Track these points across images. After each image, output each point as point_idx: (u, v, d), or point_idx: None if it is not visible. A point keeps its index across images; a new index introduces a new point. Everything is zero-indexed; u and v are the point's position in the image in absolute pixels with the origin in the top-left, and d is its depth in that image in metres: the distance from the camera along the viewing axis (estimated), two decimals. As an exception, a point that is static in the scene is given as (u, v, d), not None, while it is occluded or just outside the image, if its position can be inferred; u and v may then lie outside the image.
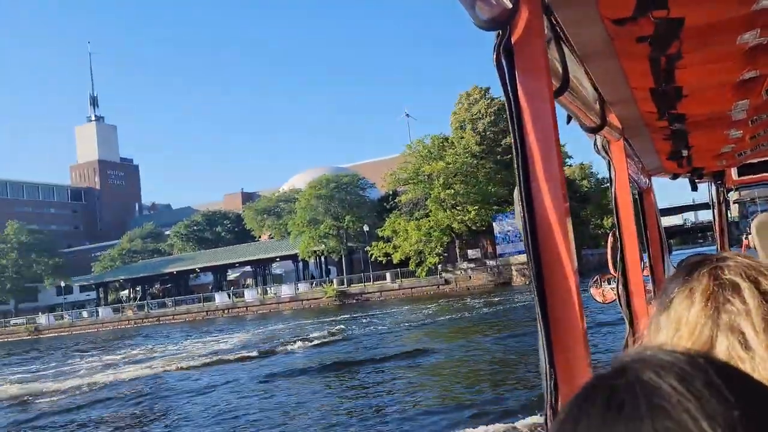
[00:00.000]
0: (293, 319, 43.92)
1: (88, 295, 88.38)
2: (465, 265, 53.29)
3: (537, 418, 9.16)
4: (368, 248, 56.52)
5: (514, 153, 1.16)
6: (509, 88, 1.14)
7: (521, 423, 9.59)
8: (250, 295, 60.73)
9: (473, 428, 9.84)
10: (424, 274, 52.15)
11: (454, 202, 52.58)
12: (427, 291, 53.40)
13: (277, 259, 72.54)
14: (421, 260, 51.81)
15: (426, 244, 51.24)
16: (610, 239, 2.51)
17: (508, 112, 1.15)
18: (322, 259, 66.78)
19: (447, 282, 53.13)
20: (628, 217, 2.68)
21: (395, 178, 55.92)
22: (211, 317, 60.30)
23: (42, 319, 69.73)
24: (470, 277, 52.77)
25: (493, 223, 53.06)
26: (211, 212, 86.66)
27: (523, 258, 49.44)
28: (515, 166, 1.16)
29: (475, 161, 56.82)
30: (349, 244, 62.00)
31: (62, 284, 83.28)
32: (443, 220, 51.12)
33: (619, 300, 2.52)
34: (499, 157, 61.96)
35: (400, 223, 53.46)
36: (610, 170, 2.53)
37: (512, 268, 51.24)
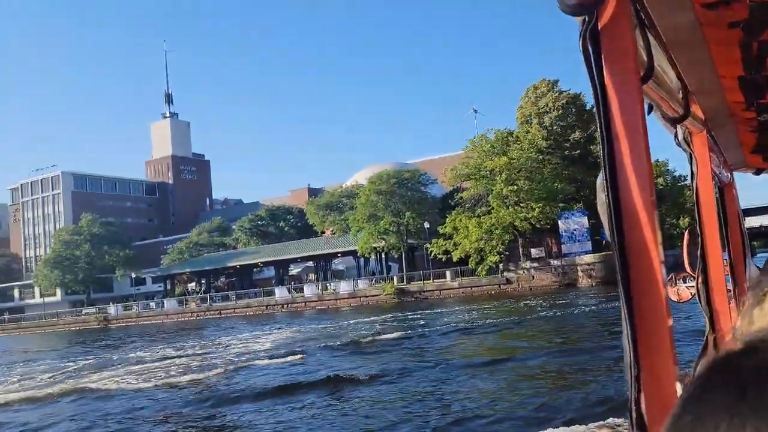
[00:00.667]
0: (351, 316, 43.09)
1: (160, 286, 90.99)
2: (528, 264, 51.18)
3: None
4: (428, 245, 55.17)
5: (600, 140, 1.12)
6: (595, 74, 1.10)
7: (600, 423, 8.74)
8: (309, 290, 60.48)
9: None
10: (484, 273, 50.35)
11: (517, 199, 50.52)
12: (488, 290, 51.60)
13: (339, 255, 72.21)
14: (481, 258, 50.03)
15: (487, 242, 49.43)
16: (687, 236, 2.41)
17: (594, 99, 1.11)
18: (383, 255, 65.92)
19: (508, 282, 51.16)
20: (710, 213, 2.54)
21: (456, 174, 54.29)
22: (270, 312, 60.42)
23: (111, 309, 71.85)
24: (533, 277, 50.62)
25: (559, 221, 50.71)
26: (275, 207, 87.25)
27: (589, 258, 47.01)
28: (601, 153, 1.11)
29: (541, 157, 54.54)
30: (410, 241, 60.80)
31: (133, 275, 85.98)
32: (505, 217, 49.19)
33: (699, 298, 2.39)
34: (566, 152, 59.43)
35: (461, 220, 51.80)
36: (691, 163, 2.36)
37: (578, 268, 48.80)
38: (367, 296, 56.93)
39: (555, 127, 60.77)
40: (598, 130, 1.11)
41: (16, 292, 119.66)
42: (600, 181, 1.16)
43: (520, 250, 53.20)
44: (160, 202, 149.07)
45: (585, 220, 50.23)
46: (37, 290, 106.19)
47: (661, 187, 65.27)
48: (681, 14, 1.38)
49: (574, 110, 62.19)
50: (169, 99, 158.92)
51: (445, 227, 53.24)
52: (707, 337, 2.38)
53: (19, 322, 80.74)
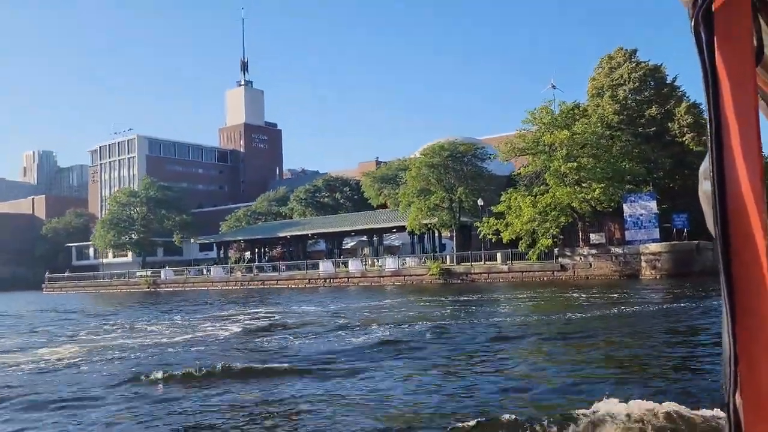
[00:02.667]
0: (390, 296, 40.15)
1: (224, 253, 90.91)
2: (586, 250, 46.46)
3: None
4: (477, 224, 51.32)
5: (708, 126, 1.10)
6: (706, 56, 1.08)
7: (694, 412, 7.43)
8: (353, 265, 57.86)
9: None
10: (535, 257, 46.08)
11: (578, 178, 45.75)
12: (540, 276, 47.33)
13: (394, 230, 69.29)
14: (533, 241, 45.76)
15: (540, 223, 45.07)
16: None
17: (704, 83, 1.09)
18: (436, 233, 62.51)
19: (563, 268, 46.68)
20: None
21: (511, 148, 49.88)
22: (313, 285, 58.37)
23: (162, 273, 71.90)
24: (591, 264, 45.92)
25: (624, 205, 45.61)
26: (334, 178, 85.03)
27: (655, 248, 42.02)
28: (708, 139, 1.09)
29: (609, 132, 49.32)
30: (463, 218, 56.98)
31: (192, 241, 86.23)
32: (562, 197, 44.59)
33: None
34: (640, 129, 53.83)
35: (515, 199, 47.51)
36: None
37: (641, 258, 43.76)
38: (411, 275, 53.75)
39: (629, 101, 55.16)
40: (708, 114, 1.07)
41: (91, 251, 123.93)
42: (704, 168, 1.11)
43: (580, 234, 48.52)
44: (231, 170, 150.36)
45: (653, 205, 44.93)
46: (110, 250, 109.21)
47: None
48: None
49: (652, 83, 56.28)
50: (244, 67, 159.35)
51: (500, 205, 49.10)
52: None
53: (76, 281, 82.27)
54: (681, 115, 52.76)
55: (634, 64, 56.17)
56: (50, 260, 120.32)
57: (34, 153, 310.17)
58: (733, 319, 1.03)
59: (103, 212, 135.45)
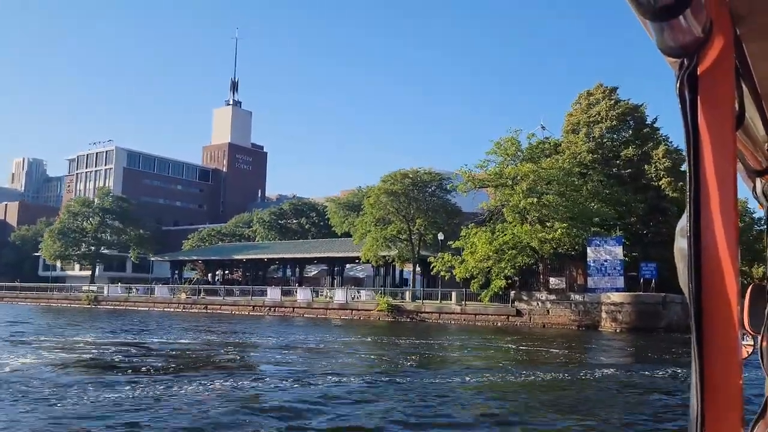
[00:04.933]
0: (328, 332, 36.23)
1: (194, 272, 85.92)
2: (544, 296, 42.51)
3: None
4: (431, 260, 47.49)
5: (688, 185, 1.10)
6: (689, 118, 1.10)
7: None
8: (302, 295, 53.73)
9: None
10: (487, 299, 42.11)
11: (539, 216, 42.08)
12: (494, 321, 43.29)
13: (357, 261, 65.37)
14: (487, 282, 41.88)
15: (496, 263, 41.23)
16: (751, 291, 2.27)
17: (686, 144, 1.10)
18: (397, 266, 58.64)
19: (519, 314, 42.68)
20: None
21: (470, 177, 46.21)
22: (258, 313, 54.17)
23: (105, 289, 67.69)
24: (548, 311, 41.93)
25: (588, 249, 41.83)
26: (301, 203, 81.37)
27: (616, 297, 38.28)
28: (687, 199, 1.10)
29: (579, 170, 45.83)
30: (423, 252, 53.14)
31: (151, 258, 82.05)
32: (521, 235, 40.86)
33: (762, 358, 2.33)
34: (615, 169, 50.36)
35: (476, 234, 43.71)
36: None
37: (602, 308, 39.82)
38: (359, 310, 49.62)
39: (605, 140, 51.74)
40: (687, 173, 1.08)
41: (58, 263, 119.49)
42: (681, 225, 1.12)
43: (541, 277, 44.68)
44: (212, 189, 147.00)
45: (619, 251, 41.11)
46: (77, 264, 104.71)
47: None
48: None
49: (631, 123, 52.99)
50: (234, 86, 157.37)
51: (457, 241, 45.31)
52: (766, 399, 2.30)
53: (19, 292, 77.87)
54: (659, 158, 49.32)
55: (613, 102, 52.89)
56: (17, 269, 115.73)
57: (23, 160, 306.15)
58: (702, 381, 1.03)
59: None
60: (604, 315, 39.55)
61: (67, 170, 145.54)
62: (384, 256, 54.61)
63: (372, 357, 22.64)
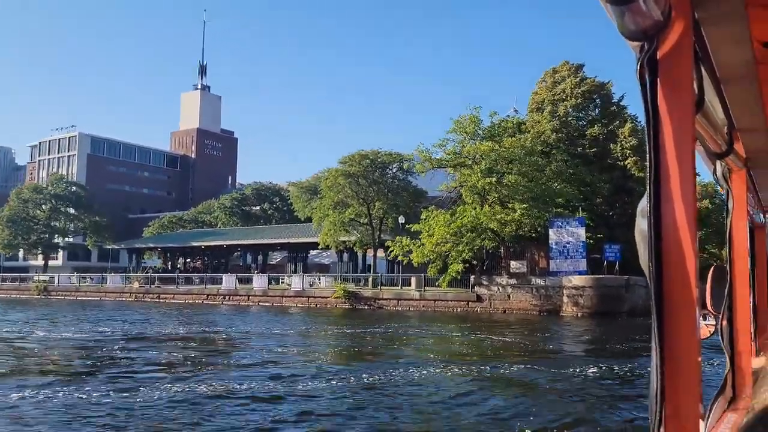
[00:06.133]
0: (277, 321, 34.20)
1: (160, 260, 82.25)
2: (505, 280, 40.74)
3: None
4: (388, 244, 45.53)
5: (648, 167, 1.13)
6: (649, 101, 1.13)
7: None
8: (258, 282, 51.48)
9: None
10: (445, 284, 40.27)
11: (498, 196, 40.24)
12: (453, 307, 41.49)
13: (321, 247, 63.22)
14: (444, 266, 40.03)
15: (454, 246, 39.35)
16: (712, 273, 2.31)
17: (645, 126, 1.14)
18: (360, 252, 56.55)
19: (479, 299, 40.90)
20: (742, 252, 2.60)
21: (426, 157, 44.16)
22: (212, 302, 51.89)
23: (55, 279, 64.88)
24: (509, 296, 40.20)
25: (550, 230, 40.07)
26: (265, 187, 78.81)
27: (578, 281, 36.61)
28: (647, 181, 1.13)
29: (541, 149, 44.03)
30: (385, 237, 51.12)
31: (109, 246, 79.09)
32: (481, 217, 38.98)
33: (722, 337, 2.44)
34: (580, 149, 48.66)
35: (435, 217, 41.72)
36: (728, 201, 2.48)
37: (564, 292, 38.17)
38: (316, 297, 47.57)
39: (570, 118, 50.02)
40: (647, 155, 1.11)
41: (20, 253, 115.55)
42: (642, 206, 1.14)
43: (501, 261, 42.96)
44: (181, 176, 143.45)
45: (582, 232, 39.39)
46: (40, 255, 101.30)
47: (706, 210, 53.27)
48: (738, 50, 1.39)
49: (598, 101, 51.30)
50: (203, 71, 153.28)
51: (417, 224, 43.31)
52: (726, 376, 2.39)
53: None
54: (625, 137, 47.69)
55: (578, 79, 51.09)
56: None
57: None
58: (662, 357, 1.05)
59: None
60: (565, 299, 37.92)
61: (29, 157, 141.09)
62: (344, 242, 52.59)
63: (314, 349, 20.64)
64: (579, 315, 36.68)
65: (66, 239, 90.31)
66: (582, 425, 10.04)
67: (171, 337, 23.41)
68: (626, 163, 47.03)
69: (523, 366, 15.92)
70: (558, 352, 20.95)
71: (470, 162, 41.36)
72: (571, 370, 15.51)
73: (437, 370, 14.93)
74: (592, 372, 15.30)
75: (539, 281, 39.66)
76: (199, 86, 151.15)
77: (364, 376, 13.81)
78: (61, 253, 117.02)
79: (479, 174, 39.27)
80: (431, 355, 18.65)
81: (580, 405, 11.63)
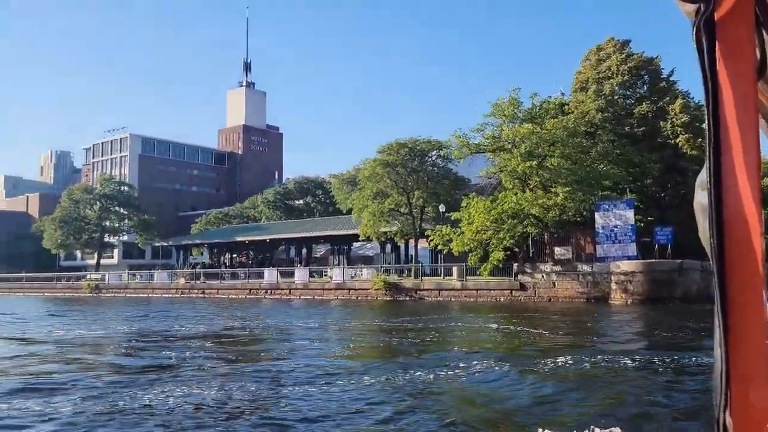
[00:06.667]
0: (315, 313, 33.61)
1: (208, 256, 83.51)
2: (549, 267, 39.12)
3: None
4: (428, 233, 44.40)
5: (707, 137, 1.07)
6: (707, 68, 1.07)
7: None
8: (299, 276, 51.12)
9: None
10: (487, 273, 38.89)
11: (540, 180, 38.62)
12: (496, 297, 40.14)
13: (361, 238, 62.57)
14: (486, 254, 38.66)
15: (495, 233, 37.95)
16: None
17: (704, 95, 1.08)
18: (403, 243, 55.60)
19: (523, 287, 39.42)
20: None
21: (464, 143, 42.75)
22: (255, 296, 51.85)
23: (106, 276, 66.12)
24: (554, 284, 38.59)
25: (596, 214, 38.23)
26: (307, 180, 78.57)
27: (627, 266, 34.74)
28: (707, 153, 1.07)
29: (585, 129, 42.10)
30: (425, 226, 50.02)
31: (157, 244, 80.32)
32: (522, 202, 37.45)
33: None
34: (627, 128, 46.41)
35: (476, 204, 40.35)
36: None
37: (612, 278, 36.33)
38: (356, 289, 46.87)
39: (617, 97, 47.77)
40: (707, 126, 1.05)
41: (78, 252, 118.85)
42: (701, 178, 1.09)
43: (546, 248, 41.31)
44: (229, 173, 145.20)
45: (630, 215, 37.37)
46: (96, 253, 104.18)
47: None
48: None
49: (646, 77, 48.83)
50: (247, 68, 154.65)
51: (456, 213, 42.03)
52: None
53: (23, 282, 76.94)
54: (675, 114, 45.20)
55: (624, 56, 48.74)
56: (38, 260, 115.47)
57: (51, 153, 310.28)
58: (726, 336, 1.02)
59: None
60: (614, 286, 36.07)
61: (84, 160, 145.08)
62: (385, 233, 51.71)
63: (357, 343, 19.82)
64: (629, 302, 34.82)
65: (118, 238, 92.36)
66: (642, 423, 8.86)
67: (208, 335, 22.94)
68: (677, 141, 44.59)
69: (573, 358, 14.54)
70: (610, 342, 19.42)
71: (509, 146, 39.82)
72: (626, 361, 14.15)
73: (483, 365, 13.70)
74: (646, 363, 13.87)
75: (585, 267, 37.89)
76: (244, 83, 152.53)
77: (406, 372, 12.70)
78: (116, 251, 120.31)
79: (519, 158, 37.72)
80: (475, 348, 17.50)
81: (637, 399, 10.41)
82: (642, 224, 38.87)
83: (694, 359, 14.27)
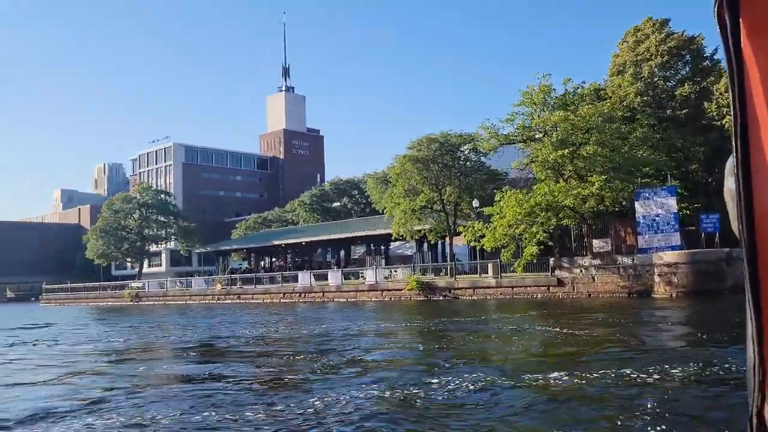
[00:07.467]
0: (349, 316, 32.55)
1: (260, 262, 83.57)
2: (587, 261, 37.10)
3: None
4: (460, 229, 42.85)
5: (733, 119, 1.03)
6: (731, 46, 1.02)
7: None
8: (333, 278, 50.25)
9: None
10: (521, 269, 37.14)
11: (575, 169, 36.67)
12: (533, 293, 38.35)
13: (393, 237, 61.37)
14: (518, 249, 36.93)
15: (528, 227, 36.20)
16: None
17: (728, 73, 1.03)
18: (439, 240, 54.13)
19: (561, 283, 37.53)
20: None
21: (492, 134, 41.02)
22: (289, 300, 51.21)
23: (145, 285, 66.70)
24: (593, 278, 36.56)
25: (636, 203, 36.07)
26: (343, 181, 77.81)
27: (670, 257, 32.59)
28: (732, 133, 1.02)
29: (622, 114, 39.92)
30: (459, 223, 48.45)
31: (197, 251, 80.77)
32: (555, 193, 35.59)
33: None
34: (669, 111, 43.94)
35: (509, 198, 38.63)
36: None
37: (654, 270, 34.14)
38: (389, 290, 45.66)
39: (656, 79, 45.30)
40: (731, 107, 1.02)
41: (128, 262, 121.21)
42: (730, 164, 1.04)
43: (584, 240, 39.28)
44: (271, 177, 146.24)
45: (673, 202, 35.09)
46: (146, 260, 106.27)
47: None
48: None
49: (687, 57, 46.19)
50: (286, 72, 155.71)
51: (489, 207, 40.41)
52: None
53: (70, 293, 78.42)
54: (720, 94, 42.50)
55: (664, 35, 46.22)
56: (91, 270, 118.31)
57: (104, 165, 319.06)
58: (759, 327, 0.98)
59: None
60: (657, 278, 33.88)
61: (131, 170, 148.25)
62: (419, 231, 50.35)
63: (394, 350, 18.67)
64: (673, 295, 32.63)
65: (165, 245, 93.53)
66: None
67: (250, 341, 22.13)
68: (724, 122, 41.91)
69: (620, 362, 13.05)
70: (663, 340, 17.60)
71: (540, 135, 38.00)
72: (677, 370, 12.49)
73: (522, 374, 12.11)
74: (696, 365, 12.14)
75: (626, 260, 35.76)
76: (284, 88, 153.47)
77: (440, 383, 11.33)
78: (163, 258, 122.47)
79: (550, 147, 35.86)
80: (513, 356, 16.06)
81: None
82: (687, 212, 36.57)
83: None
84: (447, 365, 13.40)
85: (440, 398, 9.81)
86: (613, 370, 11.71)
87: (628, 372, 11.43)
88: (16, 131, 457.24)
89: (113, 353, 18.80)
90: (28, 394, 11.53)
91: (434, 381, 11.15)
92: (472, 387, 10.50)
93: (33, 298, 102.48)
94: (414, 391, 10.34)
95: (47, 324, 35.62)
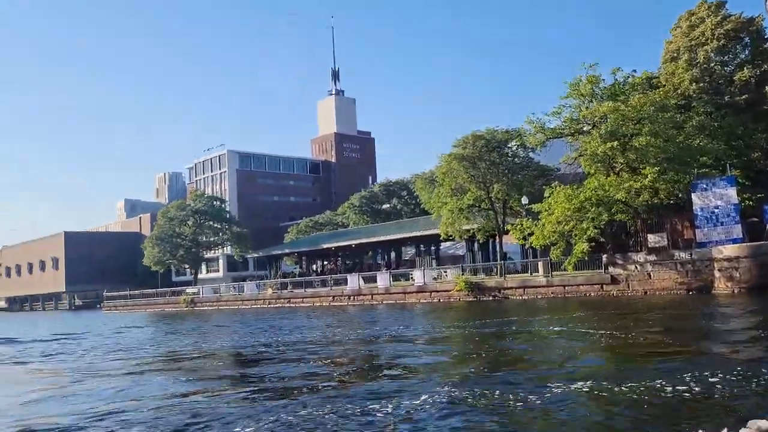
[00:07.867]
0: (396, 319, 32.10)
1: (312, 266, 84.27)
2: (642, 257, 35.46)
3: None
4: (508, 227, 41.71)
5: None
6: None
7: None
8: (381, 280, 49.80)
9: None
10: (571, 267, 35.80)
11: (626, 162, 35.12)
12: (586, 292, 36.96)
13: (442, 237, 60.49)
14: (568, 246, 35.63)
15: (577, 223, 34.85)
16: None
17: None
18: (489, 239, 53.02)
19: (614, 281, 36.01)
20: None
21: (538, 128, 39.72)
22: (339, 303, 51.04)
23: (200, 291, 67.77)
24: (649, 275, 34.90)
25: (693, 195, 34.27)
26: (392, 182, 77.34)
27: (731, 251, 30.89)
28: None
29: (675, 102, 38.07)
30: (509, 220, 47.27)
31: (249, 255, 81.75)
32: (607, 187, 34.14)
33: None
34: (727, 98, 41.70)
35: (559, 194, 37.33)
36: None
37: (714, 265, 32.33)
38: (438, 291, 44.90)
39: (713, 64, 43.06)
40: None
41: (188, 269, 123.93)
42: None
43: (639, 235, 37.62)
44: (324, 181, 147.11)
45: (733, 193, 33.17)
46: (203, 266, 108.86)
47: None
48: None
49: (746, 40, 43.74)
50: (335, 76, 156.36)
51: (538, 204, 39.21)
52: None
53: (129, 300, 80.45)
54: (784, 76, 40.11)
55: (720, 18, 43.89)
56: (152, 277, 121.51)
57: (165, 174, 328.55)
58: None
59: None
60: (717, 273, 32.08)
61: (188, 178, 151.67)
62: (468, 230, 49.38)
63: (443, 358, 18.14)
64: (735, 291, 30.80)
65: (222, 250, 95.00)
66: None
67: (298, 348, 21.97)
68: (788, 106, 39.52)
69: (681, 368, 12.11)
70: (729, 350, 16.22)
71: (589, 127, 36.61)
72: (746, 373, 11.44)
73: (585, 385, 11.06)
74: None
75: (684, 255, 34.01)
76: (333, 91, 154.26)
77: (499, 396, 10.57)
78: (221, 264, 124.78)
79: (599, 139, 34.46)
80: (574, 364, 15.14)
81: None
82: (750, 203, 34.59)
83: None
84: (502, 374, 12.68)
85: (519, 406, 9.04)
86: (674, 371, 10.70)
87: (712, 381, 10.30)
88: (75, 140, 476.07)
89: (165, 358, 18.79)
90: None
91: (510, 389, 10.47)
92: (549, 395, 9.66)
93: (98, 306, 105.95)
94: (491, 396, 9.69)
95: (84, 332, 36.36)
